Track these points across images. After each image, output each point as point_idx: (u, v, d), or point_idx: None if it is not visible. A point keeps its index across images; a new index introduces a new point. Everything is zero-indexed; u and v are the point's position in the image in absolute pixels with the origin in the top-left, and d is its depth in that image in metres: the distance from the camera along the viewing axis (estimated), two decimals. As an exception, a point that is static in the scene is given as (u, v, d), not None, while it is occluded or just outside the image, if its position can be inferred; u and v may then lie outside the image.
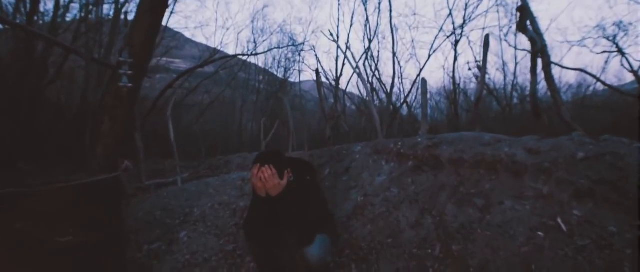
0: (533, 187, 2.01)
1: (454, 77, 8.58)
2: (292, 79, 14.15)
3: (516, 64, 9.23)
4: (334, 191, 2.83)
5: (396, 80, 9.19)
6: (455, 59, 8.63)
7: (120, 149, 3.73)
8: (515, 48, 8.75)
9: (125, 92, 3.63)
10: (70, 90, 8.45)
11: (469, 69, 6.51)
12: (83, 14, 7.92)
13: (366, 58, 9.36)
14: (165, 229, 2.67)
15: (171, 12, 10.72)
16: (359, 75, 4.45)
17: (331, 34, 6.54)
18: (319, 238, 1.63)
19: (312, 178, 1.83)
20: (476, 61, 6.67)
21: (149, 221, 2.82)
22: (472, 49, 8.86)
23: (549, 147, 2.20)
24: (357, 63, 5.56)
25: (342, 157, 3.34)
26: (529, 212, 1.89)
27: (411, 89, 9.35)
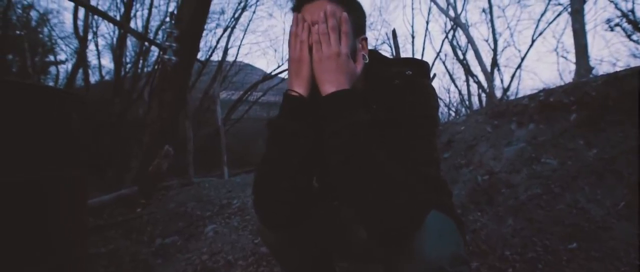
0: None
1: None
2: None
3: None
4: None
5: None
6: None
7: (167, 136, 3.32)
8: None
9: (170, 70, 3.27)
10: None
11: (613, 26, 4.38)
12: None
13: (450, 42, 7.72)
14: (190, 221, 1.96)
15: (245, 31, 11.13)
16: (457, 21, 3.33)
17: None
18: (433, 220, 0.54)
19: (423, 79, 0.68)
20: (625, 11, 4.62)
21: (177, 212, 2.17)
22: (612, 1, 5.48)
23: None
24: (454, 17, 4.28)
25: (437, 132, 2.28)
26: None
27: (511, 81, 7.49)
